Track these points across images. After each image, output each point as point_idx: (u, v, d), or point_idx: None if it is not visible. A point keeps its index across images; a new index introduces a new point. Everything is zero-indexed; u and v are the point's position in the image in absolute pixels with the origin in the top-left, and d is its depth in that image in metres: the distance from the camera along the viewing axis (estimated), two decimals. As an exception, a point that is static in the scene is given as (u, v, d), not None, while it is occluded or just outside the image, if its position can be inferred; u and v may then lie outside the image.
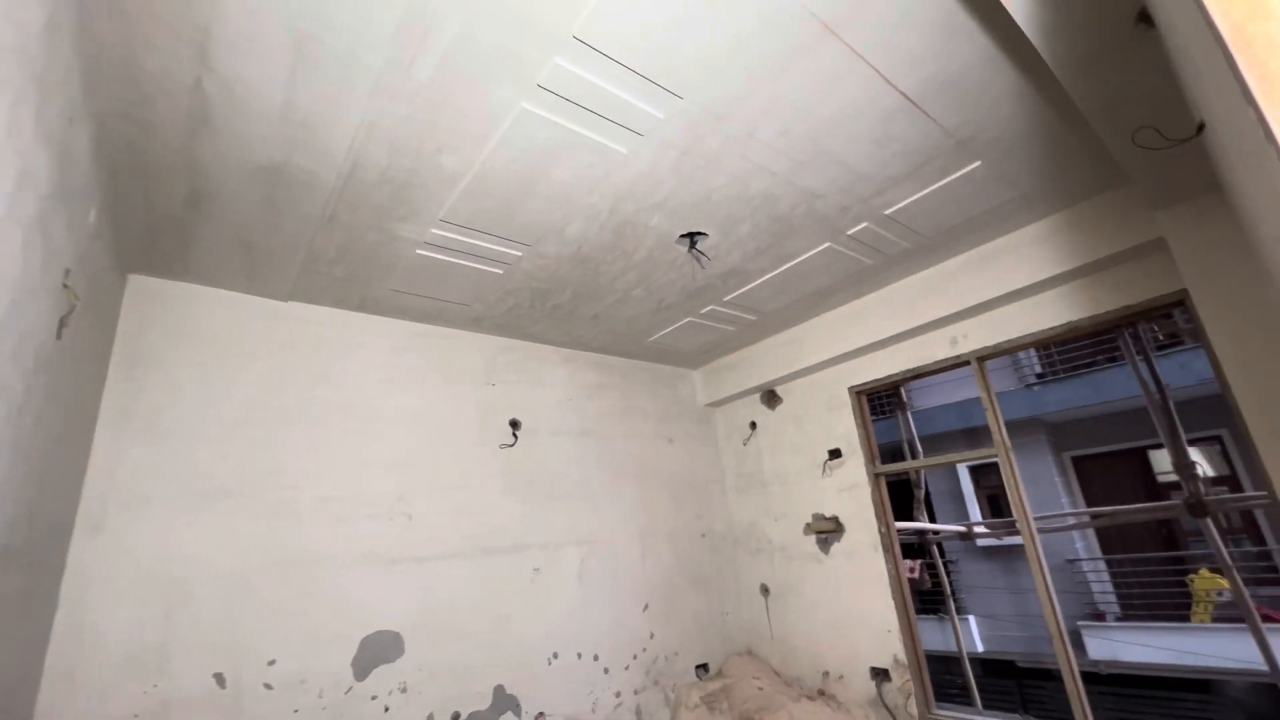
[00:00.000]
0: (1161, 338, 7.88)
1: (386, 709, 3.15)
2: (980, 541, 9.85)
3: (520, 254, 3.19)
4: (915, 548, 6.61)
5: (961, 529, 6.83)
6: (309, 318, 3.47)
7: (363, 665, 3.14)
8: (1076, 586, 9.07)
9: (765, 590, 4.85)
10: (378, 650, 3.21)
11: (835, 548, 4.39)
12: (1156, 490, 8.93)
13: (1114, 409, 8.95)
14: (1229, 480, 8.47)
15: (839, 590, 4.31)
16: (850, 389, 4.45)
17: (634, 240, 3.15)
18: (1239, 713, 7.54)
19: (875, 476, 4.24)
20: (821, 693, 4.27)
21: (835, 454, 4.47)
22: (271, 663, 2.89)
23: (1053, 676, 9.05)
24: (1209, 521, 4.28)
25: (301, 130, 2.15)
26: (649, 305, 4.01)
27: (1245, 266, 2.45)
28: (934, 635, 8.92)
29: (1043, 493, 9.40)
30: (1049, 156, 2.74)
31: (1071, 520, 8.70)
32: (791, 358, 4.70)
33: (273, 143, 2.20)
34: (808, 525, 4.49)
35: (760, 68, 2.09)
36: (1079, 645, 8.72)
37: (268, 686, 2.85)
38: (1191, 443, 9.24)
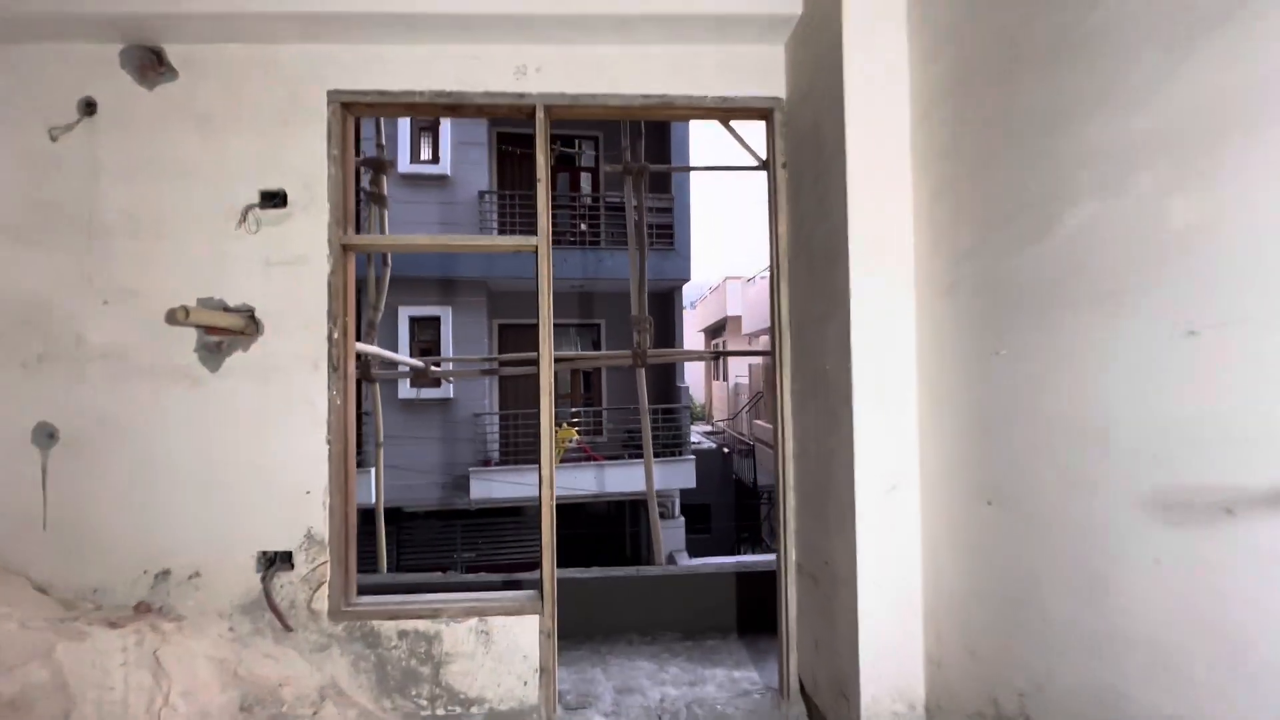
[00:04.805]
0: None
1: None
2: (401, 394, 9.39)
3: None
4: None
5: (421, 364, 5.76)
6: None
7: None
8: (477, 436, 9.77)
9: (50, 437, 2.39)
10: None
11: (235, 360, 2.43)
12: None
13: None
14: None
15: (230, 431, 2.41)
16: (332, 94, 2.48)
17: None
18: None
19: (344, 250, 2.50)
20: (144, 609, 2.34)
21: (274, 200, 2.45)
22: None
23: (418, 517, 10.05)
24: (642, 370, 4.64)
25: None
26: None
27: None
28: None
29: (473, 349, 9.62)
30: None
31: (497, 366, 9.20)
32: (222, -15, 2.30)
33: None
34: (186, 315, 2.30)
35: None
36: (465, 488, 9.49)
37: None
38: (588, 327, 11.43)
